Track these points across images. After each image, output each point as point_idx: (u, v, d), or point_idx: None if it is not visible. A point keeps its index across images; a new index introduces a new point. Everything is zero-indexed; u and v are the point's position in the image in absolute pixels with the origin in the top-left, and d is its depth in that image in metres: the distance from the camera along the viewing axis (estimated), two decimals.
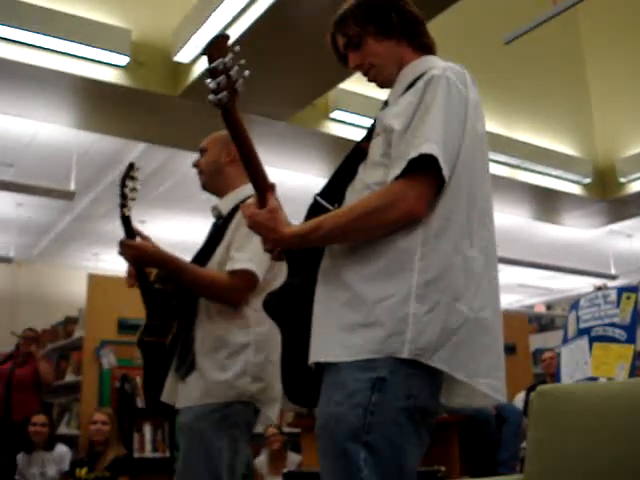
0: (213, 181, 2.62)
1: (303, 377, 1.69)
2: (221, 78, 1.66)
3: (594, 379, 3.02)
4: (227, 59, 1.66)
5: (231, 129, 1.72)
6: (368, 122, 6.22)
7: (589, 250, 10.49)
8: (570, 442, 1.96)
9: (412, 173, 1.53)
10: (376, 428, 1.49)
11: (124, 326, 6.43)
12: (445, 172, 1.53)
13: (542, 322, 13.86)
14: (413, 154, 1.53)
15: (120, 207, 2.45)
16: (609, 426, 1.91)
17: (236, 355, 2.35)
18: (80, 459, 5.85)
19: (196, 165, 2.65)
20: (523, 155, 7.33)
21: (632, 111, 8.03)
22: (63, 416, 6.99)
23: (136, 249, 2.42)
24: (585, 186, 8.02)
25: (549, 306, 14.68)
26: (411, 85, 1.66)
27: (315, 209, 1.71)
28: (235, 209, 2.48)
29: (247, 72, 1.68)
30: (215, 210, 2.59)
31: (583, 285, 11.43)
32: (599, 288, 4.21)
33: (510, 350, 7.75)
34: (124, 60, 5.20)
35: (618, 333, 3.06)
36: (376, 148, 1.66)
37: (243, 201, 2.45)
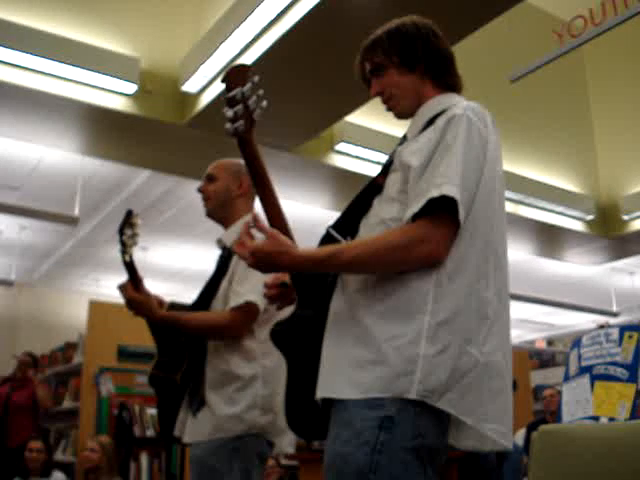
0: (220, 210, 2.59)
1: (307, 410, 1.67)
2: (238, 107, 1.67)
3: (595, 418, 3.00)
4: (245, 88, 1.66)
5: (247, 159, 1.72)
6: (373, 155, 6.23)
7: (591, 287, 10.47)
8: None
9: (434, 215, 1.52)
10: (383, 467, 1.47)
11: (124, 353, 6.40)
12: (461, 217, 1.51)
13: (543, 358, 13.78)
14: (435, 193, 1.50)
15: (121, 253, 2.45)
16: (610, 468, 1.89)
17: (244, 388, 2.34)
18: None
19: (202, 191, 2.61)
20: (526, 191, 7.36)
21: (636, 149, 8.05)
22: (60, 442, 6.95)
23: (131, 301, 2.39)
24: (588, 223, 8.04)
25: (550, 342, 14.61)
26: (431, 121, 1.66)
27: (327, 241, 1.69)
28: None
29: (265, 102, 1.68)
30: (220, 242, 2.58)
31: (585, 321, 11.40)
32: (601, 326, 4.19)
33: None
34: (132, 88, 5.24)
35: (620, 372, 3.04)
36: (393, 184, 1.65)
37: None
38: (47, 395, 6.61)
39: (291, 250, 1.58)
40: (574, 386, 3.26)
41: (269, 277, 1.91)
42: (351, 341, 1.57)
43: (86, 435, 6.12)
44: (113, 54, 5.22)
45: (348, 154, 6.22)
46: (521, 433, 6.24)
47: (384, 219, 1.63)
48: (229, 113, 1.67)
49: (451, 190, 1.50)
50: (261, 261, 1.60)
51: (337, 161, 6.22)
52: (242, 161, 1.80)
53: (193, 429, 2.40)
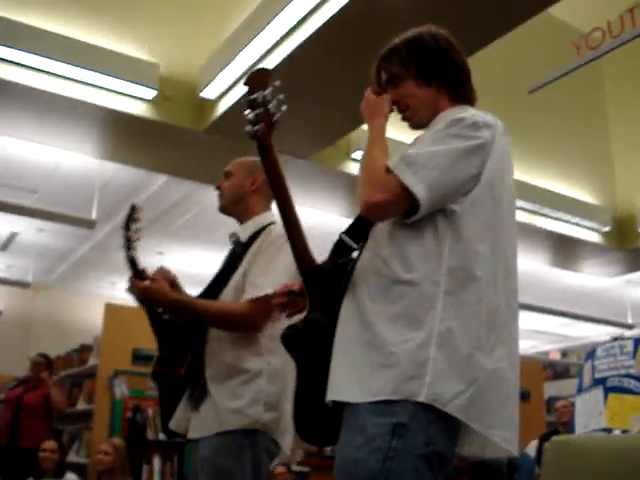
0: (233, 206, 2.61)
1: (317, 416, 1.68)
2: (260, 110, 1.69)
3: (608, 430, 2.99)
4: (267, 92, 1.69)
5: (265, 161, 1.75)
6: None
7: (606, 298, 10.41)
8: None
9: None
10: (394, 474, 1.48)
11: (138, 357, 6.43)
12: (421, 196, 1.55)
13: (557, 369, 13.71)
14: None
15: (125, 249, 2.47)
16: None
17: (248, 383, 2.32)
18: None
19: (218, 187, 2.64)
20: (542, 201, 7.32)
21: None
22: (73, 444, 6.97)
23: (142, 291, 2.42)
24: (604, 234, 8.00)
25: (564, 353, 14.54)
26: None
27: (340, 247, 1.73)
28: (253, 236, 2.49)
29: (285, 107, 1.70)
30: (233, 236, 2.59)
31: (599, 333, 11.33)
32: (616, 338, 4.18)
33: (524, 396, 7.67)
34: (151, 94, 5.28)
35: (634, 384, 3.03)
36: None
37: (263, 228, 2.49)
38: (61, 397, 6.63)
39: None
40: (587, 398, 3.25)
41: (288, 273, 1.94)
42: (361, 345, 1.58)
43: (99, 437, 6.15)
44: (133, 60, 5.26)
45: None
46: (533, 444, 6.21)
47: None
48: (250, 116, 1.69)
49: (393, 164, 1.62)
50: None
51: (353, 169, 6.22)
52: (259, 159, 1.82)
53: (197, 424, 2.39)
